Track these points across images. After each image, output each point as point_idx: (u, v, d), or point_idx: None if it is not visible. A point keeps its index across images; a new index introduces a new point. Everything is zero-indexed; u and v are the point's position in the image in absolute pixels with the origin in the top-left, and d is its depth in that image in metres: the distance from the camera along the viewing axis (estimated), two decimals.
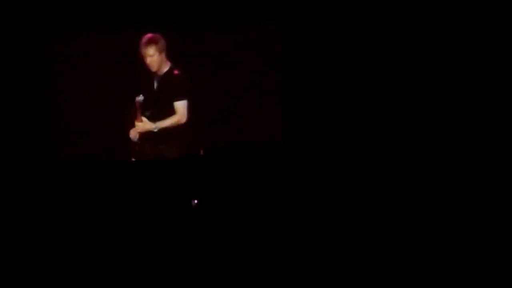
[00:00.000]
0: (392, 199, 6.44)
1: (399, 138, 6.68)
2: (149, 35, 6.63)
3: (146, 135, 6.75)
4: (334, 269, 5.87)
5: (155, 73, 6.72)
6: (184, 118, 6.70)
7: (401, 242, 6.08)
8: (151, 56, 6.63)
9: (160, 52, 6.65)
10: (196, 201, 6.52)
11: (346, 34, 6.71)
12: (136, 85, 6.75)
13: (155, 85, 6.74)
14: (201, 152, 6.70)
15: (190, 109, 6.72)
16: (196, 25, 6.76)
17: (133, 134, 6.76)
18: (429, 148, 6.65)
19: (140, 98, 6.72)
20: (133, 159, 6.77)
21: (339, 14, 6.70)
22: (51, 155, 6.68)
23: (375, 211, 6.37)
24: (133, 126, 6.76)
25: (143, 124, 6.71)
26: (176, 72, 6.72)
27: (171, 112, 6.72)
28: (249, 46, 6.82)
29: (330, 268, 5.88)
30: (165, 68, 6.72)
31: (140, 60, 6.67)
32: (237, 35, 6.81)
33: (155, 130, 6.72)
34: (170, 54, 6.73)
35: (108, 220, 6.43)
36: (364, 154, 6.67)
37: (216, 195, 6.57)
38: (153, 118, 6.73)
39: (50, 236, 6.30)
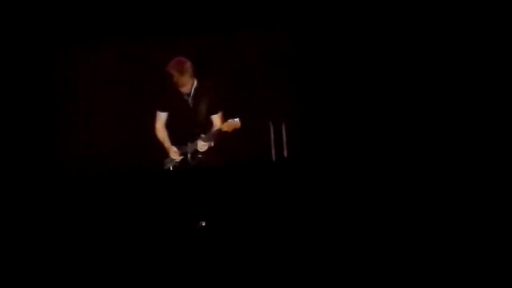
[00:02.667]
0: (404, 211, 6.50)
1: (414, 152, 6.73)
2: (180, 63, 6.56)
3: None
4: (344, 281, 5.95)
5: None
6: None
7: (408, 247, 6.17)
8: (188, 81, 6.60)
9: (192, 76, 6.61)
10: (203, 223, 6.48)
11: (360, 43, 6.76)
12: (159, 102, 6.75)
13: (189, 101, 6.68)
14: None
15: None
16: (206, 36, 6.79)
17: (174, 155, 6.75)
18: (437, 155, 6.71)
19: (164, 114, 6.72)
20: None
21: (351, 22, 6.76)
22: (57, 163, 6.65)
23: (388, 223, 6.42)
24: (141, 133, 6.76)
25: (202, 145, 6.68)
26: (209, 84, 6.69)
27: (210, 125, 6.72)
28: (260, 56, 6.87)
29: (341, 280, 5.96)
30: (195, 83, 6.67)
31: (152, 74, 6.73)
32: (248, 44, 6.86)
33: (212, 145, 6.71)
34: None
35: (110, 228, 6.45)
36: (378, 164, 6.71)
37: (227, 208, 6.57)
38: (192, 135, 6.71)
39: (54, 242, 6.31)
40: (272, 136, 6.83)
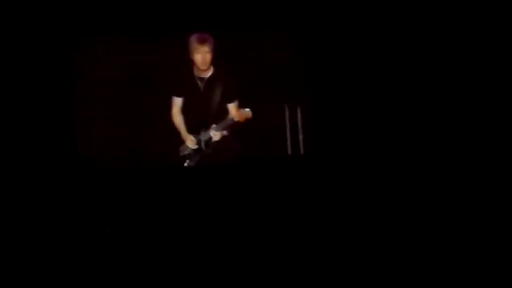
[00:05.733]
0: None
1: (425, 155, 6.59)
2: (202, 34, 6.61)
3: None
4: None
5: (198, 76, 6.70)
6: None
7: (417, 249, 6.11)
8: (207, 52, 6.60)
9: (212, 51, 6.63)
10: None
11: (370, 43, 6.69)
12: (174, 87, 6.74)
13: (202, 87, 6.70)
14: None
15: None
16: (219, 33, 6.70)
17: (190, 143, 6.74)
18: (444, 151, 6.55)
19: (179, 99, 6.73)
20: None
21: (360, 22, 6.69)
22: (74, 160, 6.63)
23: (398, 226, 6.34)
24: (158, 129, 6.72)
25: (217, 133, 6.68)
26: (225, 72, 6.70)
27: (223, 114, 6.70)
28: (273, 55, 6.79)
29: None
30: (211, 70, 6.69)
31: (172, 63, 6.68)
32: (267, 45, 6.79)
33: (225, 134, 6.70)
34: None
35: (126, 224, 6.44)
36: (394, 162, 6.60)
37: (238, 205, 6.51)
38: (205, 123, 6.71)
39: (72, 238, 6.34)
40: (288, 127, 6.76)
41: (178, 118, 6.75)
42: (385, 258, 6.06)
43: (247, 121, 6.63)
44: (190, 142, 6.72)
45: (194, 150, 6.72)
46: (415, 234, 6.23)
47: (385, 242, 6.20)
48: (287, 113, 6.74)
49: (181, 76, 6.71)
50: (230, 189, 6.52)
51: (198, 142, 6.71)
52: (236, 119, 6.61)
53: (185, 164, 6.74)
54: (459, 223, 6.23)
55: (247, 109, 6.61)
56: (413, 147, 6.60)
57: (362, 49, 6.68)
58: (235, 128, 6.67)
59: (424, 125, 6.63)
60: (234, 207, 6.47)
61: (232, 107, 6.69)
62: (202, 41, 6.59)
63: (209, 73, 6.69)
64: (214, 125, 6.68)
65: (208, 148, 6.70)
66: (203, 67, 6.64)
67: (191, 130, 6.74)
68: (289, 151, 6.74)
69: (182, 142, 6.77)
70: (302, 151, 6.72)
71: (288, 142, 6.74)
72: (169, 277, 6.04)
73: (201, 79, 6.69)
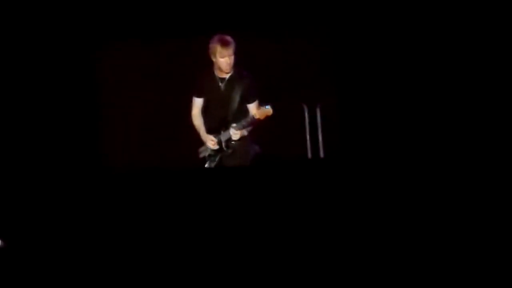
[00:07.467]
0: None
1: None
2: (224, 36, 6.55)
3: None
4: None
5: (218, 76, 6.66)
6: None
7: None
8: (230, 56, 6.55)
9: (232, 56, 6.58)
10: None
11: (396, 41, 6.61)
12: (195, 88, 6.73)
13: (222, 87, 6.66)
14: None
15: None
16: (239, 34, 6.66)
17: (210, 144, 6.72)
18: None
19: (199, 100, 6.71)
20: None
21: (385, 20, 6.62)
22: (99, 162, 6.68)
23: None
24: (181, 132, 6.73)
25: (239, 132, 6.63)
26: (245, 73, 6.65)
27: (243, 114, 6.64)
28: (299, 56, 6.76)
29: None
30: (231, 71, 6.65)
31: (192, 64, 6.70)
32: (286, 44, 6.78)
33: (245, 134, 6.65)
34: None
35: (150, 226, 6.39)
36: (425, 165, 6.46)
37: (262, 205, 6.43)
38: (225, 123, 6.66)
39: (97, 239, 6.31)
40: (307, 129, 6.74)
41: (198, 120, 6.73)
42: (407, 263, 5.93)
43: (267, 121, 6.55)
44: (210, 143, 6.69)
45: (215, 150, 6.69)
46: (439, 240, 6.07)
47: (406, 248, 6.06)
48: (307, 114, 6.67)
49: (202, 77, 6.69)
50: (248, 191, 6.44)
51: (219, 143, 6.68)
52: (257, 116, 6.53)
53: (206, 166, 6.72)
54: (484, 230, 6.10)
55: (268, 106, 6.52)
56: (440, 154, 6.49)
57: (386, 48, 6.61)
58: (255, 126, 6.60)
59: (450, 128, 6.53)
60: (252, 209, 6.39)
61: (252, 107, 6.64)
62: (226, 44, 6.53)
63: (229, 74, 6.65)
64: (234, 124, 6.62)
65: (228, 148, 6.66)
66: (227, 70, 6.60)
67: (211, 130, 6.71)
68: (309, 154, 6.69)
69: (201, 143, 6.75)
70: (322, 154, 6.66)
71: (308, 145, 6.68)
72: (182, 277, 6.00)
73: (222, 79, 6.65)
